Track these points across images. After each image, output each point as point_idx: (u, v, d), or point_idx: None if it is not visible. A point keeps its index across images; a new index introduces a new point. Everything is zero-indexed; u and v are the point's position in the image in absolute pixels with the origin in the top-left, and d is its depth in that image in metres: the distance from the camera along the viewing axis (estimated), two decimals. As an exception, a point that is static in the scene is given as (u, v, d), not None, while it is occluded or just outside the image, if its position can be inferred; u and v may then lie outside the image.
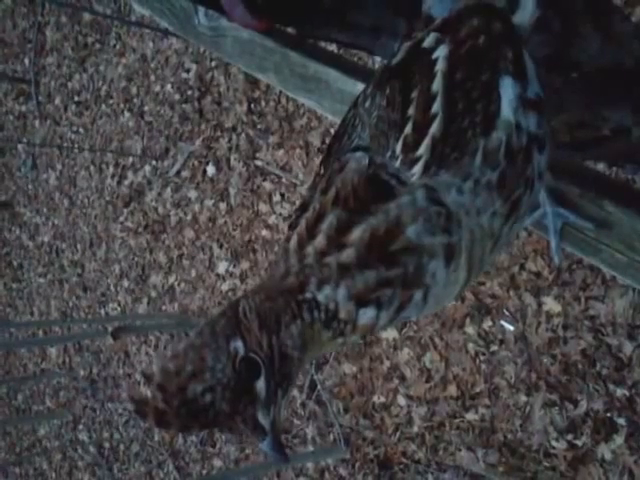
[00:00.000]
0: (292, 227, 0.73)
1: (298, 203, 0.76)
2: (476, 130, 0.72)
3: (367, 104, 0.79)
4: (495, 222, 0.73)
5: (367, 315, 0.69)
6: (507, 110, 0.74)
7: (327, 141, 3.10)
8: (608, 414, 2.06)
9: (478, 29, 0.77)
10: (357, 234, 0.67)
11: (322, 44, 1.41)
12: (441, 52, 0.75)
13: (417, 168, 0.70)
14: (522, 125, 0.75)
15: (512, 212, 0.75)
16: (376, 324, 0.70)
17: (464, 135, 0.72)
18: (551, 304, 2.22)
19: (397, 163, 0.71)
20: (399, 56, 0.81)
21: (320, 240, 0.68)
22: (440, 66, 0.74)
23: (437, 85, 0.73)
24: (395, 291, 0.68)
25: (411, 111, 0.72)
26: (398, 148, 0.71)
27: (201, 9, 1.35)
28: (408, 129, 0.72)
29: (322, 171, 0.80)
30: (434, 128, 0.71)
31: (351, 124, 0.81)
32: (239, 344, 0.65)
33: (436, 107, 0.72)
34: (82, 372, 4.79)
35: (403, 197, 0.68)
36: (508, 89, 0.75)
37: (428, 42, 0.78)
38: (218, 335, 0.66)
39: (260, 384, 0.66)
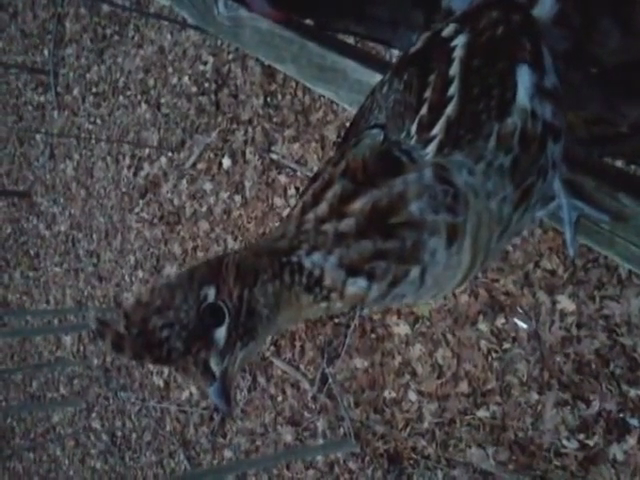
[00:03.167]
0: (301, 196, 0.75)
1: (312, 175, 0.77)
2: (491, 113, 0.73)
3: (384, 89, 0.81)
4: (505, 208, 0.73)
5: (357, 285, 0.69)
6: (523, 97, 0.75)
7: (343, 135, 3.09)
8: (621, 414, 2.05)
9: (497, 20, 0.78)
10: (359, 205, 0.68)
11: (340, 36, 1.41)
12: (460, 40, 0.77)
13: (431, 147, 0.71)
14: (538, 113, 0.75)
15: (523, 200, 0.75)
16: (367, 295, 0.70)
17: (479, 118, 0.72)
18: (565, 303, 2.21)
19: (412, 142, 0.71)
20: (418, 45, 0.82)
21: (322, 207, 0.70)
22: (458, 52, 0.75)
23: (454, 69, 0.74)
24: (390, 265, 0.69)
25: (428, 93, 0.73)
26: (413, 128, 0.72)
27: (221, 0, 1.36)
28: (424, 110, 0.72)
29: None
30: (450, 109, 0.72)
31: (368, 109, 0.82)
32: (211, 291, 0.67)
33: (452, 90, 0.73)
34: (96, 361, 4.84)
35: (411, 174, 0.69)
36: (525, 77, 0.76)
37: (447, 32, 0.79)
38: (194, 280, 0.68)
39: (220, 332, 0.67)
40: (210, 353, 0.67)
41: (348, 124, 0.87)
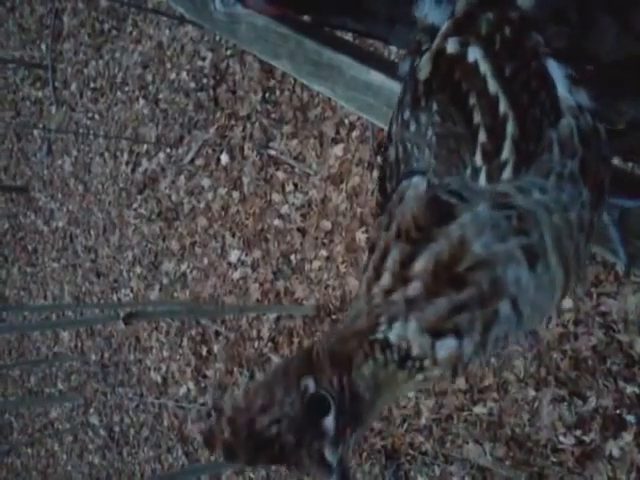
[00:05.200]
0: (364, 272, 0.71)
1: (368, 245, 0.74)
2: (550, 119, 0.69)
3: (413, 128, 0.75)
4: (585, 214, 0.69)
5: (446, 346, 0.66)
6: (565, 93, 0.71)
7: (341, 132, 3.09)
8: (617, 411, 2.05)
9: (498, 21, 0.73)
10: (421, 265, 0.65)
11: (338, 33, 1.41)
12: (475, 54, 0.71)
13: (507, 173, 0.66)
14: (582, 104, 0.72)
15: (600, 199, 0.71)
16: (462, 353, 0.66)
17: (540, 127, 0.68)
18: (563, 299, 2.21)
19: (482, 175, 0.67)
20: (425, 70, 0.76)
21: (385, 278, 0.67)
22: (484, 67, 0.70)
23: (493, 86, 0.69)
24: (473, 313, 0.65)
25: (477, 119, 0.68)
26: (478, 159, 0.67)
27: (217, -4, 1.35)
28: (482, 137, 0.67)
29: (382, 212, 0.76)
30: (510, 128, 0.67)
31: (402, 154, 0.76)
32: (310, 382, 0.65)
33: (503, 107, 0.68)
34: (94, 356, 4.84)
35: (464, 215, 0.65)
36: (557, 71, 0.72)
37: (452, 48, 0.73)
38: (290, 373, 0.66)
39: (329, 421, 0.65)
40: (323, 444, 0.65)
41: (378, 177, 0.81)
